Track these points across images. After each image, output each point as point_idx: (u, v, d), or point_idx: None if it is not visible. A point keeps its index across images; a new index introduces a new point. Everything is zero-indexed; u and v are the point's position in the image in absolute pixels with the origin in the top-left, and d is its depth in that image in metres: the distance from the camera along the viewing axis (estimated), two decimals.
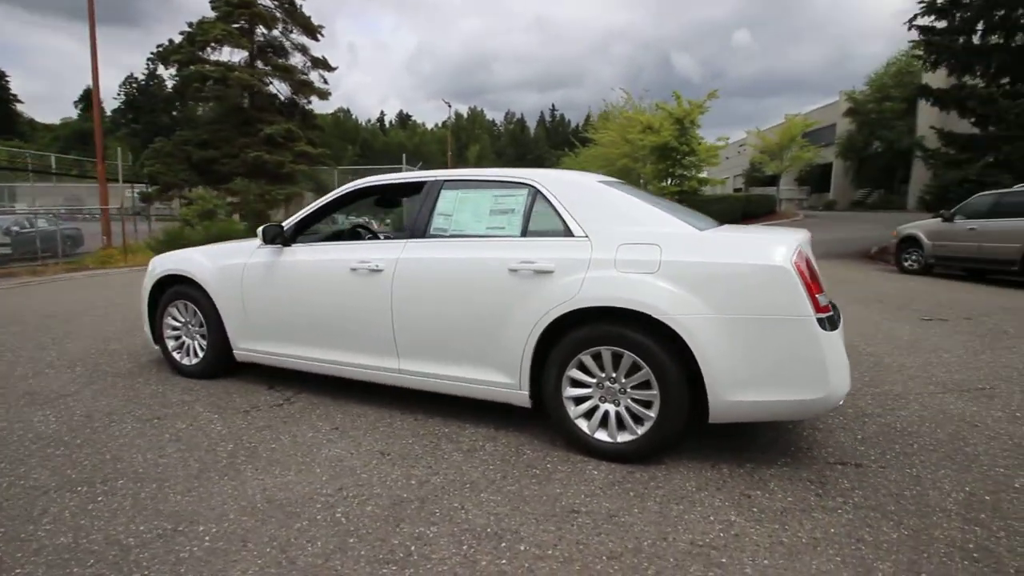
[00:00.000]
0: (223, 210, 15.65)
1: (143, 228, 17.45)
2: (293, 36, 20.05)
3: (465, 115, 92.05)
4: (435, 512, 2.18)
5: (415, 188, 3.32)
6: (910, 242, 10.13)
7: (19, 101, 54.10)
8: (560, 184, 2.89)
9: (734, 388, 2.37)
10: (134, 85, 60.10)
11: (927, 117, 20.82)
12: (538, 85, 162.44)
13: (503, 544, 1.98)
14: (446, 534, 2.04)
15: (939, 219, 9.68)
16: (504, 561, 1.89)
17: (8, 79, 52.41)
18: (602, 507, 2.21)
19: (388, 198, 4.16)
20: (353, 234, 4.09)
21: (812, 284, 2.35)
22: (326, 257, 3.33)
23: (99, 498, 2.30)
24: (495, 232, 2.93)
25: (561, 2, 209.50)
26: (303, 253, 3.43)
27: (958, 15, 12.76)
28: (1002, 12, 12.10)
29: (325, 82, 20.73)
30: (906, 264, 10.19)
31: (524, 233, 2.85)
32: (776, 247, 2.42)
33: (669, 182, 20.49)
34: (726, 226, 3.10)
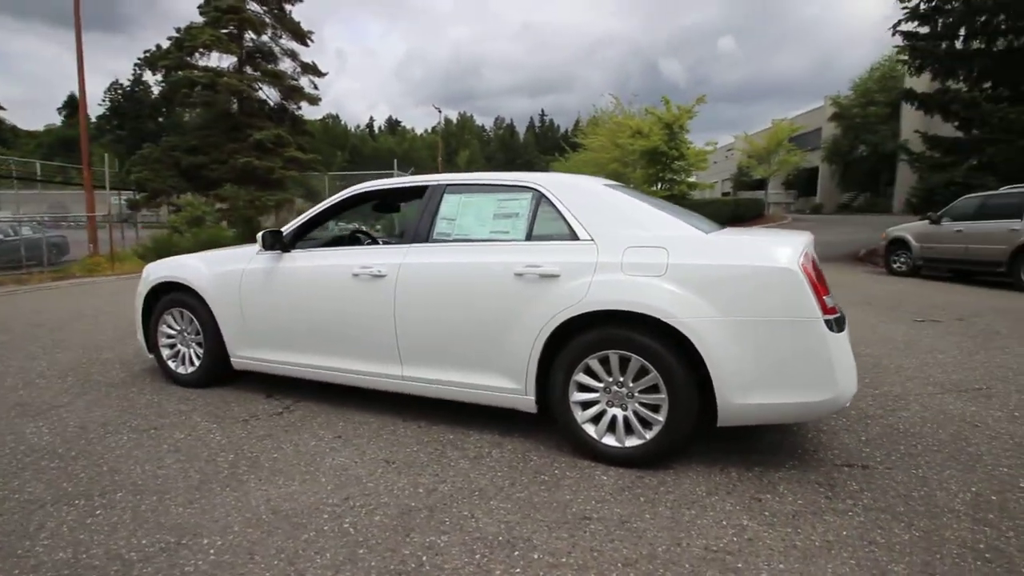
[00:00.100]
0: (212, 217, 15.48)
1: (130, 235, 17.23)
2: (282, 41, 19.90)
3: (455, 121, 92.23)
4: (445, 521, 2.15)
5: (417, 192, 3.29)
6: (899, 244, 10.28)
7: (1, 108, 53.32)
8: (565, 188, 2.88)
9: (742, 391, 2.36)
10: (119, 91, 59.48)
11: (911, 121, 21.10)
12: (528, 91, 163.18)
13: (516, 553, 1.95)
14: (457, 543, 2.00)
15: (927, 222, 9.84)
16: (518, 570, 1.86)
17: None
18: (614, 513, 2.19)
19: (389, 203, 4.13)
20: (353, 239, 4.05)
21: (819, 286, 2.37)
22: (327, 263, 3.29)
23: (98, 511, 2.23)
24: (499, 236, 2.91)
25: (550, 9, 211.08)
26: (303, 259, 3.39)
27: (941, 21, 12.98)
28: (984, 18, 12.34)
29: (315, 87, 20.63)
30: (895, 266, 10.34)
31: (529, 237, 2.83)
32: (782, 249, 2.43)
33: (659, 187, 20.59)
34: (729, 228, 3.11)
